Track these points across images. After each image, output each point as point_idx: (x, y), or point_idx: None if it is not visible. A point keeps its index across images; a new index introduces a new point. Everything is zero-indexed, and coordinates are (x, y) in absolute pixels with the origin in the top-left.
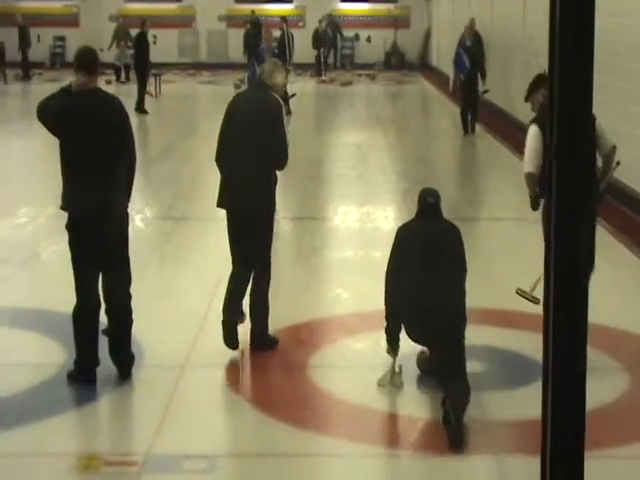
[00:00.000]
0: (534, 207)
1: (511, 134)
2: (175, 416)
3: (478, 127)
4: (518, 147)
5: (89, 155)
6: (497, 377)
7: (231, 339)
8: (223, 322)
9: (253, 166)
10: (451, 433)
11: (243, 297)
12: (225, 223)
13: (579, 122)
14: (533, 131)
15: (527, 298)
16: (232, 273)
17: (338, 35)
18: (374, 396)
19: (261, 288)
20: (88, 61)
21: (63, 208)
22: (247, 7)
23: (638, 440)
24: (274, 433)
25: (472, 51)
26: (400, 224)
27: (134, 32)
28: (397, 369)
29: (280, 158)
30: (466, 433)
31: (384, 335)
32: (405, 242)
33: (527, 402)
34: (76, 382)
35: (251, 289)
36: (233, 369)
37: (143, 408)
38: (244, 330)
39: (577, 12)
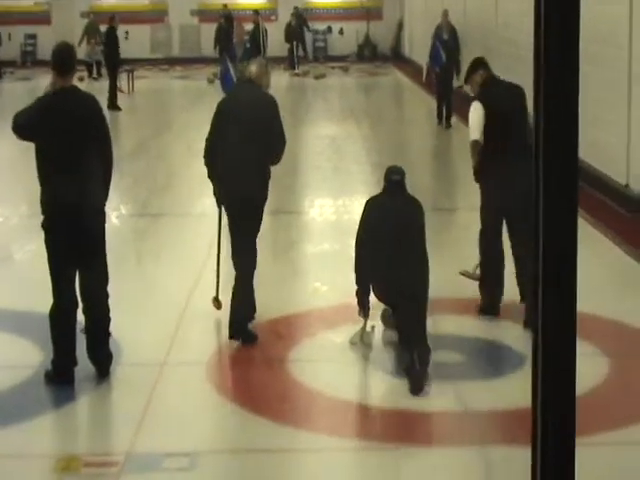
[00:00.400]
0: (477, 179)
1: None
2: (155, 414)
3: (454, 118)
4: None
5: (65, 153)
6: (476, 367)
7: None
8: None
9: (253, 160)
10: (414, 380)
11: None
12: (202, 220)
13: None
14: (475, 106)
15: (470, 277)
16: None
17: (305, 28)
18: (354, 390)
19: (244, 275)
20: (64, 59)
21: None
22: (219, 1)
23: (624, 425)
24: (254, 429)
25: (449, 44)
26: None
27: (105, 28)
28: (369, 329)
29: (279, 151)
30: (426, 383)
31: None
32: (373, 214)
33: (506, 392)
34: (54, 382)
35: (235, 277)
36: (212, 365)
37: (122, 407)
38: (223, 323)
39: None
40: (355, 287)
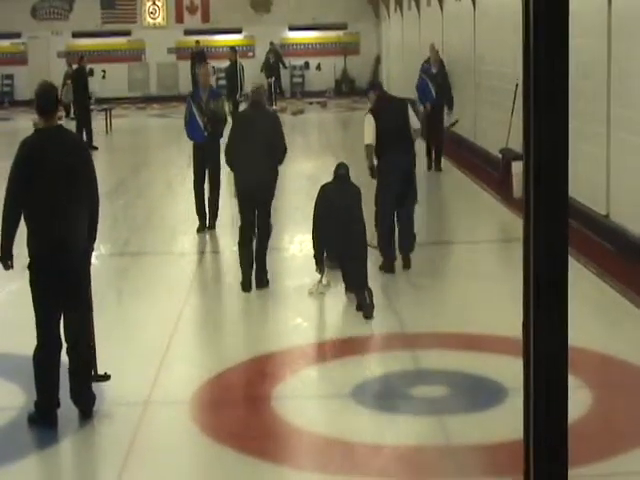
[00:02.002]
0: (373, 176)
1: (476, 165)
2: (139, 455)
3: (444, 161)
4: (487, 180)
5: (52, 194)
6: (460, 401)
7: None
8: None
9: (264, 161)
10: (366, 310)
11: (252, 255)
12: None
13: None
14: (368, 118)
15: (372, 247)
16: (240, 240)
17: (280, 64)
18: (337, 426)
19: (263, 244)
20: (48, 99)
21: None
22: (196, 39)
23: (608, 458)
24: (239, 468)
25: (438, 80)
26: None
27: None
28: (324, 282)
29: (283, 154)
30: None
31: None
32: (325, 197)
33: (491, 426)
34: (37, 424)
35: (256, 244)
36: (196, 404)
37: (106, 448)
38: (197, 375)
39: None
40: (313, 252)
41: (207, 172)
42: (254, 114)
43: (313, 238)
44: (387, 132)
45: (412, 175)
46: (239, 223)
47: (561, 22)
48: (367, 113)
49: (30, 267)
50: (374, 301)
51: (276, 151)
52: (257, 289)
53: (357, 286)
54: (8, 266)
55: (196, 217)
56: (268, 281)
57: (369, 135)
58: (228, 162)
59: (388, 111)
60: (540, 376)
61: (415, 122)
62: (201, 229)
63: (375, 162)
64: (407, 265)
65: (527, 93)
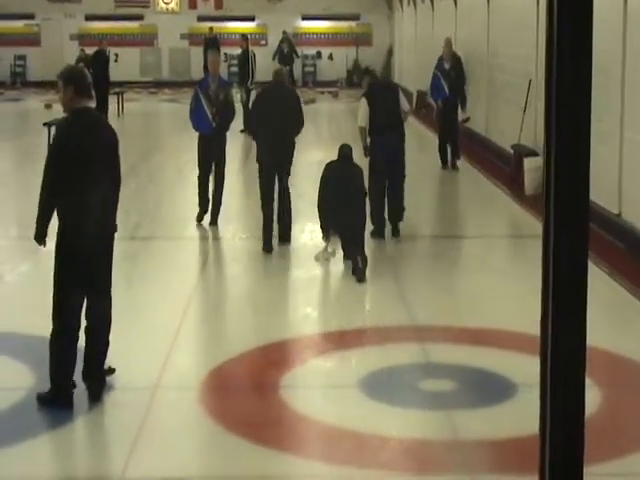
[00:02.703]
0: (366, 155)
1: (487, 160)
2: (148, 439)
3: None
4: (498, 176)
5: (92, 179)
6: (469, 395)
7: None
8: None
9: (286, 132)
10: (359, 273)
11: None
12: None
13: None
14: (362, 101)
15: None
16: (262, 203)
17: (293, 53)
18: (347, 416)
19: (286, 204)
20: (86, 80)
21: (63, 228)
22: (209, 25)
23: (617, 457)
24: (247, 455)
25: (451, 75)
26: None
27: (94, 51)
28: (329, 249)
29: (300, 127)
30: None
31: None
32: (329, 174)
33: (499, 421)
34: (50, 405)
35: (279, 205)
36: (205, 390)
37: (115, 432)
38: (206, 361)
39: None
40: (319, 222)
41: (213, 166)
42: (278, 91)
43: (318, 209)
44: (379, 113)
45: (400, 151)
46: (259, 188)
47: (585, 17)
48: (362, 97)
49: (62, 250)
50: (367, 271)
51: (296, 123)
52: (280, 245)
53: (353, 253)
54: (42, 244)
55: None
56: (290, 238)
57: (362, 118)
58: (251, 132)
59: (380, 95)
60: (558, 374)
61: (405, 104)
62: (200, 218)
63: (368, 141)
64: (396, 233)
65: (549, 91)
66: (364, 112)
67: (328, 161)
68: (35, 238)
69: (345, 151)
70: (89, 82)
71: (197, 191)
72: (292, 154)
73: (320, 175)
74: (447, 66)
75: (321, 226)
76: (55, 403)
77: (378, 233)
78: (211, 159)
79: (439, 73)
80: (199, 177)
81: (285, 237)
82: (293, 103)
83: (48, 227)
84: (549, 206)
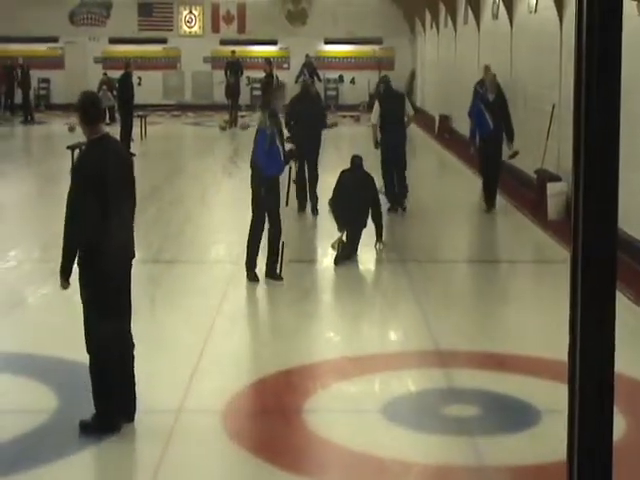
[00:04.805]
0: (376, 147)
1: (513, 186)
2: (171, 464)
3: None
4: (521, 200)
5: (116, 206)
6: (493, 421)
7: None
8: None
9: (317, 129)
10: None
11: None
12: None
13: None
14: (376, 104)
15: (382, 193)
16: (296, 180)
17: (315, 77)
18: (370, 441)
19: (314, 184)
20: (96, 109)
21: (91, 258)
22: (232, 49)
23: None
24: (269, 479)
25: (495, 106)
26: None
27: (117, 74)
28: (344, 238)
29: (325, 124)
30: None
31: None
32: (343, 181)
33: (523, 448)
34: (98, 433)
35: (309, 186)
36: (228, 414)
37: (139, 455)
38: (229, 385)
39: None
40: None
41: (269, 210)
42: (309, 96)
43: (333, 211)
44: (388, 115)
45: (401, 146)
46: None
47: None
48: (375, 100)
49: (99, 275)
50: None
51: (323, 121)
52: (313, 215)
53: (353, 243)
54: (67, 284)
55: (229, 227)
56: (318, 210)
57: (375, 117)
58: (288, 129)
59: (390, 100)
60: (586, 402)
61: (409, 109)
62: (253, 278)
63: (379, 137)
64: (403, 207)
65: (578, 114)
66: (376, 112)
67: (342, 169)
68: (61, 275)
69: (357, 161)
70: (102, 108)
71: (247, 246)
72: (320, 146)
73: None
74: (491, 97)
75: (335, 219)
76: (104, 432)
77: (392, 208)
78: (271, 205)
79: (482, 105)
80: (253, 226)
81: (314, 209)
82: (319, 105)
83: (74, 263)
84: (577, 231)
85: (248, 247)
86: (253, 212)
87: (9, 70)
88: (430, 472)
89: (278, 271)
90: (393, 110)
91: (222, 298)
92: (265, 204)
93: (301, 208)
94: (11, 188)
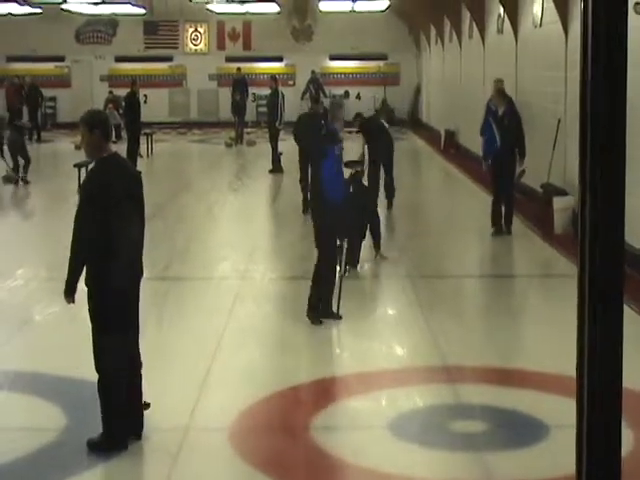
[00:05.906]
0: (364, 156)
1: (519, 200)
2: None
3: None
4: (527, 215)
5: (126, 224)
6: (501, 437)
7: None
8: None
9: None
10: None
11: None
12: None
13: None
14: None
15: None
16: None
17: (321, 93)
18: (377, 457)
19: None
20: (108, 128)
21: (100, 277)
22: (237, 66)
23: None
24: None
25: (504, 122)
26: None
27: (123, 92)
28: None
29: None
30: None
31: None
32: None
33: (532, 463)
34: (106, 452)
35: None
36: (235, 431)
37: (147, 473)
38: (236, 402)
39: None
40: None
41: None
42: (317, 113)
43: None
44: (371, 137)
45: (390, 153)
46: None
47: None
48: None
49: (114, 293)
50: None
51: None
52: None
53: (351, 252)
54: (71, 301)
55: (235, 244)
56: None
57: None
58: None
59: (372, 126)
60: (594, 416)
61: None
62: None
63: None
64: (390, 207)
65: (584, 132)
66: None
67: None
68: (65, 292)
69: (357, 177)
70: (111, 125)
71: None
72: None
73: None
74: (500, 111)
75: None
76: (113, 450)
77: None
78: (340, 234)
79: (491, 120)
80: (327, 265)
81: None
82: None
83: (79, 280)
84: (584, 246)
85: (320, 286)
86: (321, 247)
87: (17, 88)
88: None
89: (335, 309)
90: (376, 134)
91: (229, 315)
92: (336, 230)
93: (306, 211)
94: (18, 206)
